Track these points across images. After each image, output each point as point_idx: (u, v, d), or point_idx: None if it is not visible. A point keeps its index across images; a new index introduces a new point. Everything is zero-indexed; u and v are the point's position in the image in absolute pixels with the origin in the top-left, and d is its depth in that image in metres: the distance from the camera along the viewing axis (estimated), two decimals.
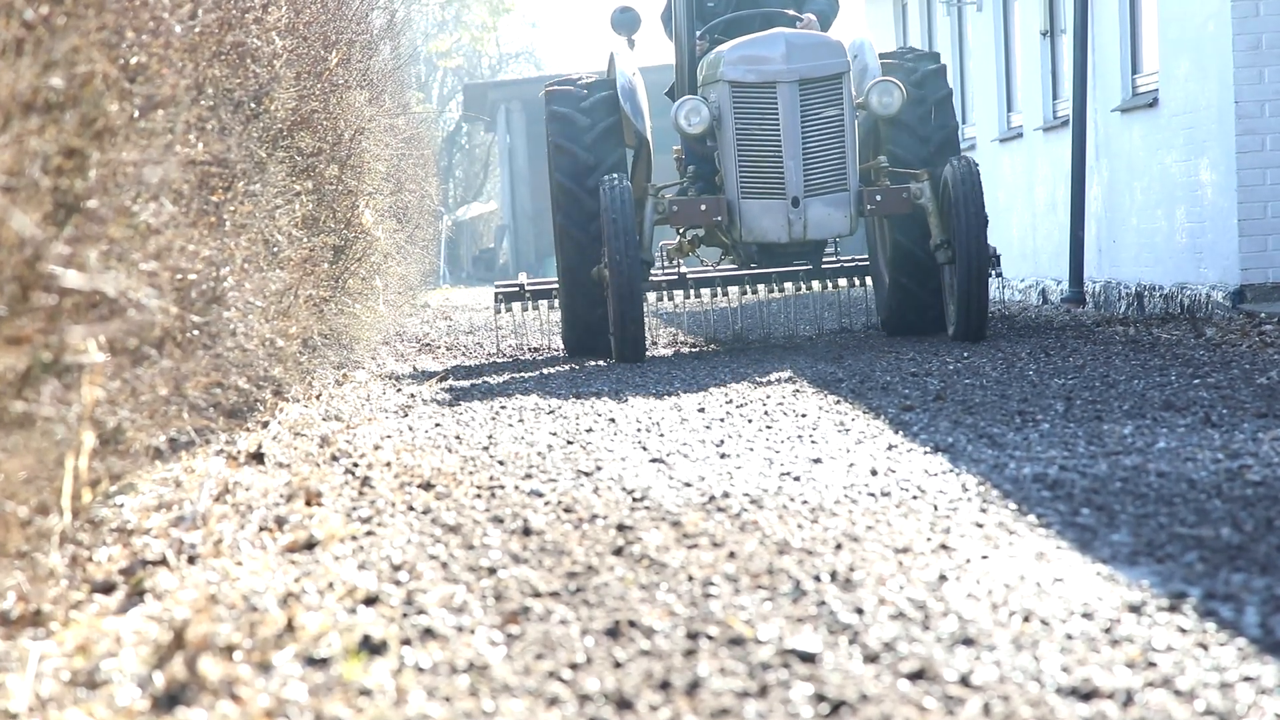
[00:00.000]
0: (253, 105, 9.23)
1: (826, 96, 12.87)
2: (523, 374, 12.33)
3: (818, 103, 12.86)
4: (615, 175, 12.76)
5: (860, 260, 15.43)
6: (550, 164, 13.89)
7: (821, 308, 15.91)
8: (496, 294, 15.25)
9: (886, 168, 13.22)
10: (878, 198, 12.92)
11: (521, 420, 9.17)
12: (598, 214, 12.88)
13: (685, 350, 14.03)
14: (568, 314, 14.06)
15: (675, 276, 14.97)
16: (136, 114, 5.72)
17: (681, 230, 13.95)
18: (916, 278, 13.68)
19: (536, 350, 14.84)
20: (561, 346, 14.67)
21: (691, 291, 15.05)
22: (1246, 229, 13.08)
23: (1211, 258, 13.63)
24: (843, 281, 15.30)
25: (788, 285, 15.06)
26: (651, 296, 14.74)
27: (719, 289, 15.19)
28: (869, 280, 15.30)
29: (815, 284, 15.03)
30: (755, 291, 15.33)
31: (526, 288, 15.16)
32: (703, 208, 13.05)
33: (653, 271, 14.07)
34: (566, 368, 12.75)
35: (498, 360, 13.83)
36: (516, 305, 15.29)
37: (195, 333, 6.97)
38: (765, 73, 12.85)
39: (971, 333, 12.62)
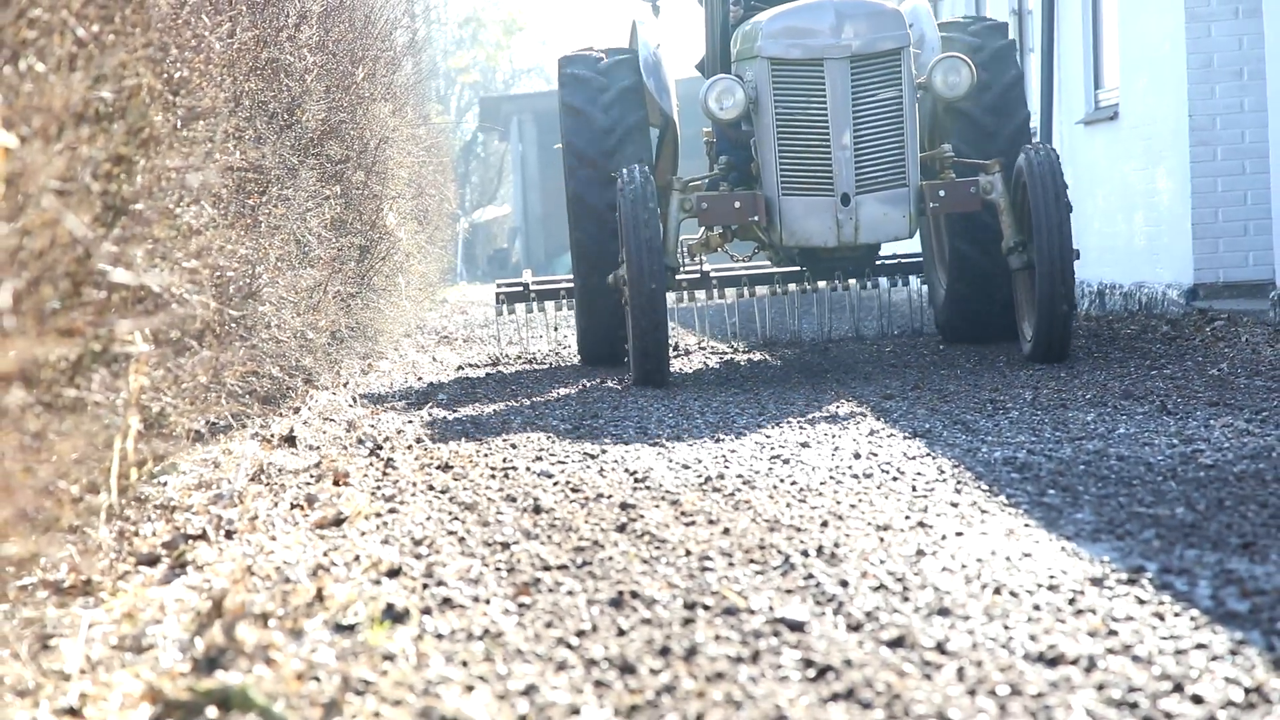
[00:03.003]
0: (286, 116, 9.24)
1: (883, 75, 10.18)
2: (533, 368, 12.30)
3: (872, 83, 10.17)
4: (636, 167, 10.01)
5: (907, 257, 12.73)
6: (565, 164, 11.41)
7: (861, 309, 13.56)
8: (498, 294, 12.70)
9: (951, 158, 10.51)
10: (941, 194, 10.21)
11: (532, 407, 9.17)
12: (615, 225, 10.49)
13: (703, 354, 12.83)
14: (583, 320, 11.63)
15: (697, 275, 12.29)
16: (179, 124, 5.72)
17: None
18: (981, 278, 11.21)
19: (542, 359, 12.51)
20: (573, 351, 12.56)
21: (715, 290, 12.52)
22: (1199, 232, 13.07)
23: (1167, 259, 13.61)
24: (883, 281, 12.63)
25: (821, 284, 12.32)
26: (670, 297, 12.06)
27: (745, 288, 12.67)
28: (914, 280, 12.71)
29: (853, 282, 12.17)
30: (786, 291, 12.63)
31: (531, 287, 12.63)
32: (737, 205, 10.29)
33: None
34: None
35: (502, 369, 11.80)
36: (520, 306, 12.81)
37: (232, 325, 6.97)
38: (811, 47, 10.14)
39: (1054, 352, 9.92)
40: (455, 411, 9.08)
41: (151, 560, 5.00)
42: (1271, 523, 4.99)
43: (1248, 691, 3.40)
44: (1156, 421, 7.27)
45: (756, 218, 10.27)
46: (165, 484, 6.27)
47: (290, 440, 7.60)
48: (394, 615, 4.19)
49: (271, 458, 7.05)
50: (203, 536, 5.30)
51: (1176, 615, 3.99)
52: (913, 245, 12.59)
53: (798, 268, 11.70)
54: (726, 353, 12.28)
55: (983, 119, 11.05)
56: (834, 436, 7.38)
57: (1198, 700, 3.37)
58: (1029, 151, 10.02)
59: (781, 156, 10.21)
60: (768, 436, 7.46)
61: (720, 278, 12.39)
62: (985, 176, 10.23)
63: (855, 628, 4.01)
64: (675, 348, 12.51)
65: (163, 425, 5.75)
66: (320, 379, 10.27)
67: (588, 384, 10.35)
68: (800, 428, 7.72)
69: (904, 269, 12.53)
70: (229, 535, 5.38)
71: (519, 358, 12.66)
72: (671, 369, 10.82)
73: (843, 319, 13.86)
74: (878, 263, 11.85)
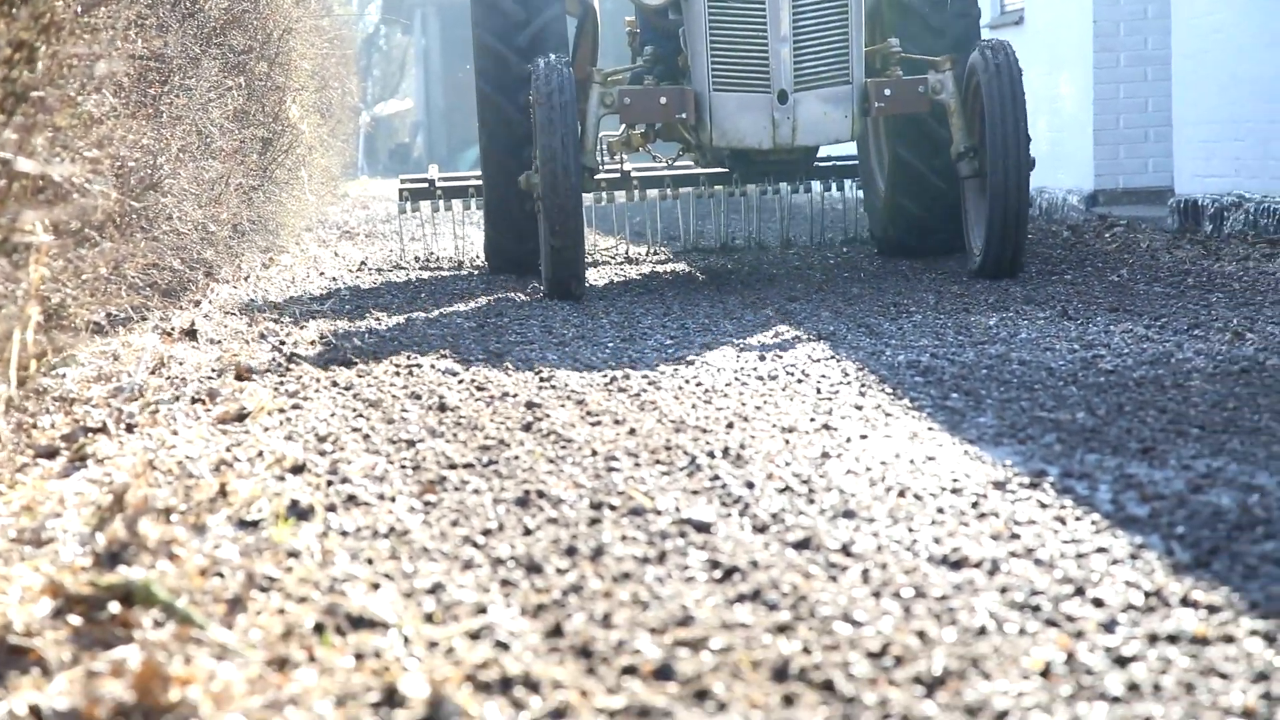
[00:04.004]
0: (188, 4, 9.08)
1: None
2: (439, 271, 12.22)
3: None
4: (552, 56, 8.98)
5: (843, 159, 11.84)
6: (475, 63, 10.38)
7: (792, 215, 12.67)
8: (401, 190, 11.56)
9: (898, 53, 9.53)
10: (887, 92, 9.18)
11: (436, 304, 9.11)
12: (528, 130, 9.67)
13: (619, 259, 12.69)
14: (491, 223, 10.70)
15: (617, 175, 11.30)
16: (80, 10, 5.60)
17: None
18: (924, 186, 10.45)
19: (448, 261, 11.89)
20: (481, 257, 11.65)
21: (636, 192, 11.29)
22: (1101, 138, 13.16)
23: (1069, 164, 13.69)
24: (816, 185, 11.72)
25: (750, 188, 11.10)
26: (588, 198, 11.12)
27: (669, 189, 11.25)
28: (849, 183, 11.73)
29: (784, 186, 11.26)
30: (712, 194, 11.29)
31: (437, 184, 11.56)
32: (663, 101, 9.22)
33: None
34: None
35: (406, 268, 11.48)
36: (425, 204, 11.66)
37: (134, 217, 6.87)
38: None
39: (1005, 267, 9.09)
40: (359, 307, 9.01)
41: (50, 453, 4.93)
42: (1170, 428, 5.03)
43: (1147, 595, 3.43)
44: (1058, 326, 7.32)
45: (684, 115, 9.26)
46: (64, 376, 6.18)
47: (191, 334, 7.52)
48: (298, 512, 4.15)
49: (172, 351, 6.97)
50: (103, 430, 5.23)
51: (1078, 519, 4.02)
52: (850, 146, 11.78)
53: (725, 170, 10.72)
54: (643, 257, 12.00)
55: (931, 13, 10.11)
56: (739, 338, 7.38)
57: (1099, 603, 3.40)
58: (984, 48, 9.04)
59: (713, 48, 9.18)
60: (673, 338, 7.46)
61: (642, 178, 11.33)
62: (935, 75, 9.28)
63: (761, 529, 4.01)
64: (590, 252, 11.97)
65: (62, 317, 5.67)
66: (221, 272, 10.16)
67: (496, 285, 10.28)
68: (706, 330, 7.72)
69: (840, 172, 11.63)
70: (129, 429, 5.31)
71: (423, 258, 12.18)
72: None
73: (772, 224, 12.92)
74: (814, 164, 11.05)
